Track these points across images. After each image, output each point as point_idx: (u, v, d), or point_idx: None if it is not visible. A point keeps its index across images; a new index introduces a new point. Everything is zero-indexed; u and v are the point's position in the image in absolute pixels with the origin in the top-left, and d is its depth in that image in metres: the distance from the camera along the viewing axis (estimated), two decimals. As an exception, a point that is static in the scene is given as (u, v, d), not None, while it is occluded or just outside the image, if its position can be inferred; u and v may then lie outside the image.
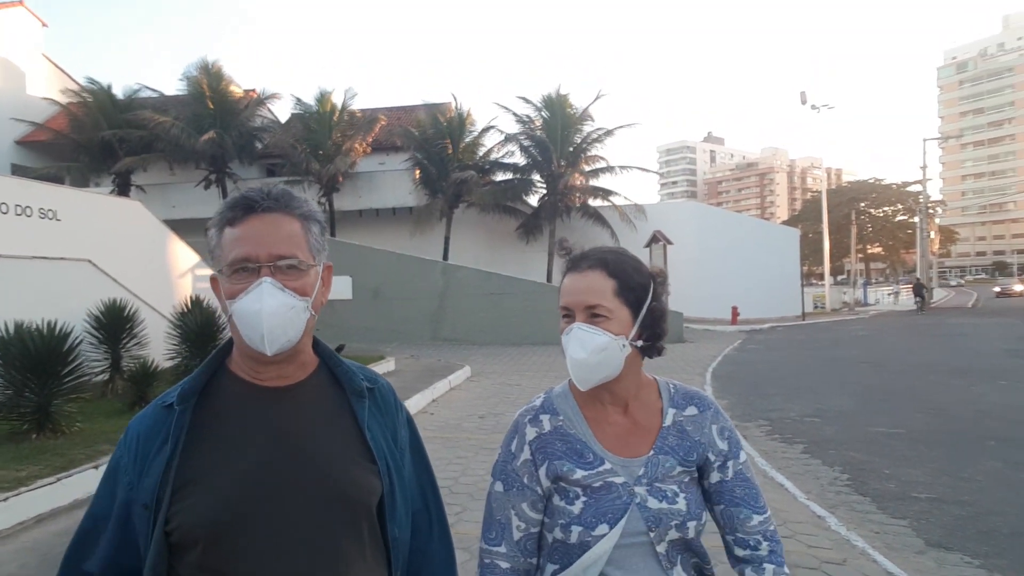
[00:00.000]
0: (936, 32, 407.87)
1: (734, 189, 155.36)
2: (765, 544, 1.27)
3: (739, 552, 1.28)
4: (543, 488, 1.26)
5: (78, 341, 6.88)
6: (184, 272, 11.32)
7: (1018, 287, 46.71)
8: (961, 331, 20.37)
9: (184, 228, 13.93)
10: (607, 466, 1.24)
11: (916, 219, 43.58)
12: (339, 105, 24.03)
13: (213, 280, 1.08)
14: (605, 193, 25.18)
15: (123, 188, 22.69)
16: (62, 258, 8.44)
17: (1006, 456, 6.13)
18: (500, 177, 26.18)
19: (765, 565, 1.25)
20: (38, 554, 4.03)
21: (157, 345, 8.78)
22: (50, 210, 8.28)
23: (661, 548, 1.21)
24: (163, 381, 7.64)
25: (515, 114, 25.24)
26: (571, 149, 24.77)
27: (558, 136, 24.31)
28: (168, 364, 8.69)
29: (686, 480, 1.26)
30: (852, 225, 43.44)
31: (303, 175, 23.09)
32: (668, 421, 1.29)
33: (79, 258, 8.72)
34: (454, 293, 19.17)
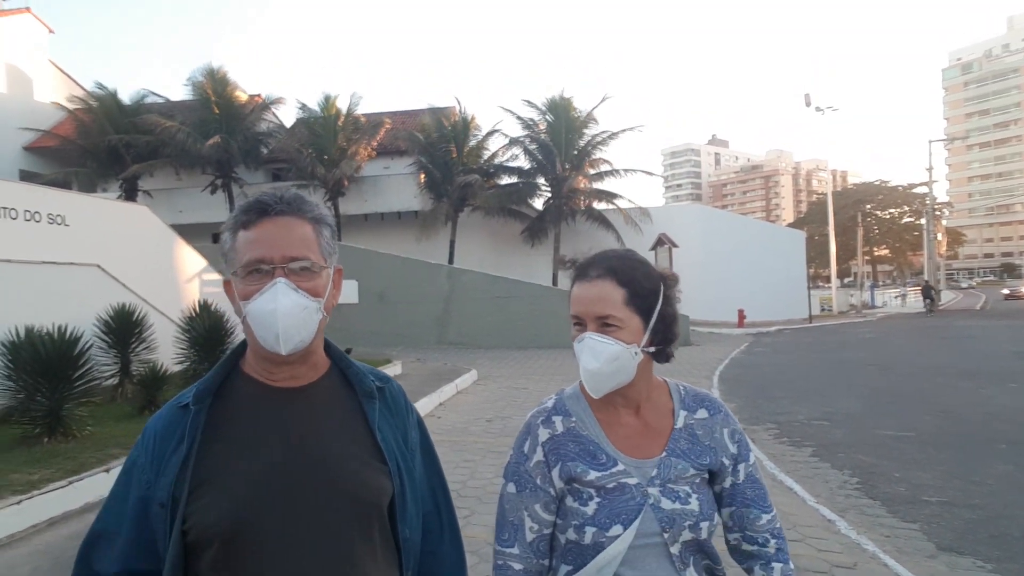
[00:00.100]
0: (940, 33, 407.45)
1: (739, 192, 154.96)
2: (773, 542, 1.30)
3: (747, 548, 1.31)
4: (556, 489, 1.26)
5: (88, 346, 6.92)
6: (192, 277, 11.36)
7: None
8: (969, 333, 20.25)
9: (191, 233, 14.01)
10: (620, 467, 1.24)
11: (923, 221, 43.42)
12: (344, 110, 24.13)
13: (227, 283, 1.10)
14: (609, 196, 25.13)
15: (130, 193, 22.80)
16: (71, 263, 8.48)
17: (1017, 459, 6.08)
18: (504, 181, 26.16)
19: (773, 564, 1.28)
20: (50, 557, 4.05)
21: (166, 349, 8.81)
22: (59, 215, 8.33)
23: (675, 549, 1.21)
24: (172, 385, 7.68)
25: (519, 117, 25.31)
26: (575, 152, 24.75)
27: (562, 139, 24.32)
28: (177, 368, 8.73)
29: (697, 481, 1.26)
30: (858, 227, 43.27)
31: (309, 179, 23.14)
32: (679, 423, 1.30)
33: (88, 263, 8.77)
34: (460, 297, 19.18)
